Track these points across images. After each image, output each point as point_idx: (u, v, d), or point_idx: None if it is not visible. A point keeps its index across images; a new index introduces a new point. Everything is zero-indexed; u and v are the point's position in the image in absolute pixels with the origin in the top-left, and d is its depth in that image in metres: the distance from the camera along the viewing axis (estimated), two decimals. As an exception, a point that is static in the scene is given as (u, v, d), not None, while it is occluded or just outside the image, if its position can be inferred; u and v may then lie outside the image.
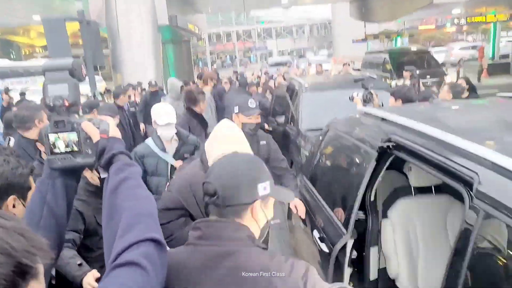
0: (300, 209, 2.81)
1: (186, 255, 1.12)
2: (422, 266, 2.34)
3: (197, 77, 8.82)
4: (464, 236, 1.51)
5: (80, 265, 2.11)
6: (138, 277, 0.90)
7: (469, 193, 1.56)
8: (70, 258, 2.18)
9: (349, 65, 11.82)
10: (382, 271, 2.49)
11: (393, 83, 9.37)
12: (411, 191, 2.52)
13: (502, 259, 1.37)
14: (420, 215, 2.43)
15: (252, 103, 3.10)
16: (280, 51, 59.70)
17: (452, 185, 1.72)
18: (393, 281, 2.46)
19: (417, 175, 2.40)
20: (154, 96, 8.38)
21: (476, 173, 1.56)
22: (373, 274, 2.47)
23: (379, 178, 2.46)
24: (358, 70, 11.76)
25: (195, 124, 4.52)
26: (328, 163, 3.21)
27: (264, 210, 1.22)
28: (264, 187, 1.20)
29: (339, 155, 2.99)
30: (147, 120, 7.43)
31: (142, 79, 10.40)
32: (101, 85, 20.61)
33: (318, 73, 12.23)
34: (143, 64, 11.30)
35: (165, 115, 3.31)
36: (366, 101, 4.17)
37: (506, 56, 21.92)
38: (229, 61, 60.17)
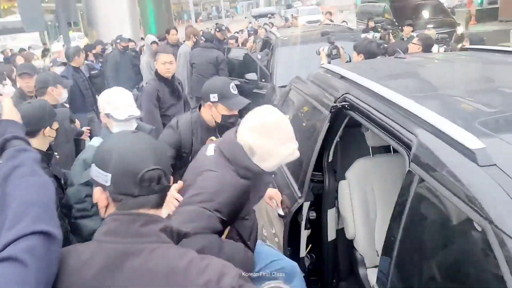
0: (277, 198, 2.31)
1: (89, 254, 0.99)
2: (379, 228, 2.32)
3: (166, 33, 8.05)
4: (401, 200, 1.47)
5: None
6: (15, 274, 0.84)
7: (408, 155, 1.51)
8: None
9: (331, 14, 11.07)
10: (341, 231, 2.49)
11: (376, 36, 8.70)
12: (369, 152, 2.48)
13: (434, 227, 1.34)
14: (377, 176, 2.39)
15: (234, 88, 2.37)
16: (267, 0, 57.81)
17: (395, 147, 1.66)
18: (352, 240, 2.46)
19: (373, 135, 2.34)
20: (125, 55, 7.57)
21: (415, 136, 1.50)
22: (331, 235, 2.46)
23: (337, 138, 2.41)
24: (344, 22, 10.82)
25: (166, 91, 3.73)
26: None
27: None
28: None
29: (298, 116, 2.91)
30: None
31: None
32: (83, 42, 20.00)
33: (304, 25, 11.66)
34: (120, 20, 10.83)
35: (125, 106, 2.37)
36: (331, 56, 4.02)
37: (494, 1, 21.40)
38: (215, 13, 58.34)
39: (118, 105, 2.36)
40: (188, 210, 1.56)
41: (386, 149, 2.54)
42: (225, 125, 2.34)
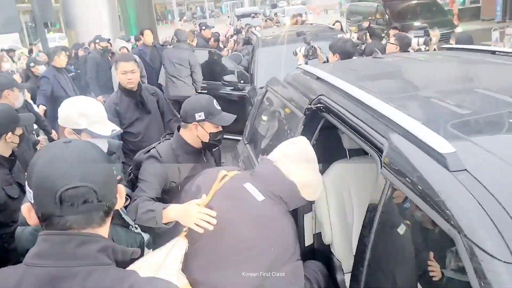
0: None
1: (17, 279, 0.89)
2: (356, 232, 2.27)
3: (140, 34, 7.85)
4: (372, 206, 1.42)
5: None
6: None
7: (380, 159, 1.46)
8: None
9: (301, 16, 10.68)
10: (318, 236, 2.43)
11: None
12: (346, 154, 2.42)
13: (406, 235, 1.29)
14: (354, 179, 2.34)
15: (217, 104, 2.21)
16: (252, 0, 57.72)
17: (368, 151, 1.61)
18: (329, 245, 2.41)
19: (350, 138, 2.29)
20: (104, 56, 7.10)
21: (386, 139, 1.45)
22: (308, 240, 2.40)
23: (313, 141, 2.35)
24: (338, 22, 9.94)
25: (128, 105, 3.28)
26: (264, 126, 3.07)
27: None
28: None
29: (273, 118, 2.85)
30: (104, 91, 6.39)
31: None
32: (64, 43, 19.67)
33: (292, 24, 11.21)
34: (99, 20, 10.62)
35: (104, 119, 2.06)
36: (308, 56, 3.97)
37: (476, 0, 21.69)
38: (200, 13, 58.06)
39: (96, 118, 1.99)
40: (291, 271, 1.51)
41: (364, 152, 2.50)
42: (212, 144, 2.24)
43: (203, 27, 8.84)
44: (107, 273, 0.90)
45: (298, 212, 2.37)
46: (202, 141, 2.21)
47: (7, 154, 2.33)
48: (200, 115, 2.12)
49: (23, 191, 2.38)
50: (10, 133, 2.31)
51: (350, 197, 2.35)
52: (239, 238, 1.55)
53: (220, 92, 5.85)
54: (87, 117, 1.94)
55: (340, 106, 1.91)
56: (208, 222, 1.61)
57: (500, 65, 2.23)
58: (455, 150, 1.17)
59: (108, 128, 2.02)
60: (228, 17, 21.66)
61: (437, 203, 1.10)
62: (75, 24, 10.80)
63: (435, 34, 5.33)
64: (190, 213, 1.68)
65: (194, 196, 1.75)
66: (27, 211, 0.94)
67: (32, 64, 5.82)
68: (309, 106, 2.14)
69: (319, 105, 2.13)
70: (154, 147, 2.21)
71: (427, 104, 1.71)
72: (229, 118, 2.21)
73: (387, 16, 12.80)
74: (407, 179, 1.25)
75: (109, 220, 0.99)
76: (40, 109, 4.83)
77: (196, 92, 5.88)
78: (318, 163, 2.50)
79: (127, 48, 6.80)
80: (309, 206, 2.38)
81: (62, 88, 4.99)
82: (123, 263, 0.98)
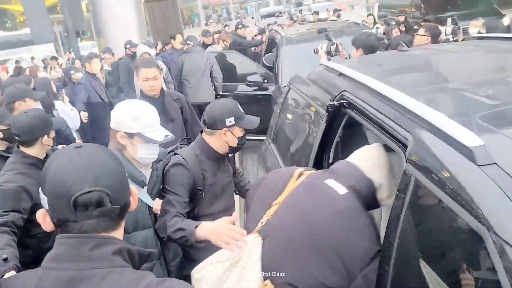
0: None
1: (34, 282, 0.90)
2: (384, 231, 2.21)
3: (171, 38, 7.91)
4: (397, 204, 1.37)
5: (5, 260, 1.98)
6: None
7: (405, 155, 1.40)
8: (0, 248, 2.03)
9: (317, 13, 10.46)
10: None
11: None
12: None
13: (432, 233, 1.23)
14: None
15: (240, 107, 2.16)
16: (277, -1, 57.50)
17: (392, 147, 1.56)
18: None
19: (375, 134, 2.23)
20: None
21: (411, 134, 1.39)
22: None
23: (337, 138, 2.30)
24: (371, 15, 9.28)
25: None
26: (287, 124, 3.04)
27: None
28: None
29: (297, 116, 2.82)
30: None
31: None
32: (96, 50, 20.26)
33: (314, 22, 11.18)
34: (126, 26, 10.85)
35: (157, 124, 1.98)
36: (331, 53, 3.90)
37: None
38: (225, 15, 58.42)
39: (150, 123, 1.89)
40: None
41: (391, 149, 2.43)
42: (238, 148, 2.17)
43: (240, 26, 8.91)
44: (122, 276, 0.90)
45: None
46: (229, 146, 2.14)
47: (42, 156, 2.43)
48: (230, 121, 2.05)
49: None
50: (46, 136, 2.41)
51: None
52: (322, 232, 1.47)
53: (244, 92, 5.86)
54: (141, 121, 1.86)
55: (364, 102, 1.86)
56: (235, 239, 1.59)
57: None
58: (483, 143, 1.11)
59: (161, 134, 1.94)
60: (252, 18, 21.57)
61: (465, 199, 1.04)
62: (104, 31, 11.08)
63: (478, 24, 4.94)
64: (220, 231, 1.65)
65: (269, 196, 1.69)
66: (42, 217, 0.95)
67: (72, 72, 5.85)
68: (332, 103, 2.09)
69: (342, 101, 2.08)
70: (176, 153, 2.13)
71: (454, 96, 1.64)
72: (255, 120, 2.15)
73: (423, 9, 11.63)
74: (432, 174, 1.20)
75: (123, 222, 0.99)
76: (82, 116, 4.84)
77: (217, 94, 5.89)
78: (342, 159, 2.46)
79: (149, 54, 6.86)
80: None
81: (97, 94, 5.09)
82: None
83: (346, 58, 3.91)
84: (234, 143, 2.13)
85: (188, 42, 6.42)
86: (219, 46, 7.22)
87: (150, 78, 3.05)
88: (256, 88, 5.77)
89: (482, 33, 4.17)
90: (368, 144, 2.35)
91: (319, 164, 2.27)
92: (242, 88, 5.93)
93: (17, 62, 10.89)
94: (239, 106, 2.13)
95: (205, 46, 7.59)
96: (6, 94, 3.48)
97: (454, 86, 1.76)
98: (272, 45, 7.33)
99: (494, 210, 0.97)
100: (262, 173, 3.12)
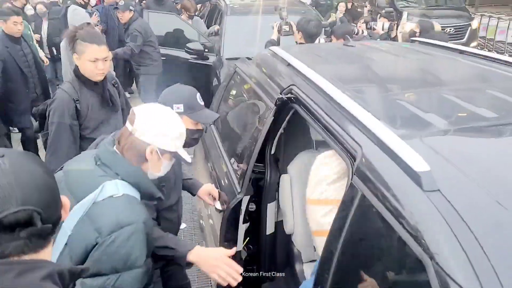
0: (214, 194, 2.19)
1: None
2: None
3: None
4: (341, 215, 1.40)
5: None
6: None
7: (352, 167, 1.43)
8: None
9: None
10: (279, 224, 2.43)
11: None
12: (313, 144, 2.41)
13: (374, 250, 1.28)
14: (320, 170, 2.33)
15: (200, 99, 1.90)
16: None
17: (339, 155, 1.58)
18: (290, 235, 2.42)
19: (318, 129, 2.26)
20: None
21: (360, 147, 1.42)
22: (270, 228, 2.41)
23: (281, 130, 2.30)
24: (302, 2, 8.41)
25: (93, 102, 2.49)
26: (231, 109, 2.99)
27: None
28: None
29: (241, 102, 2.77)
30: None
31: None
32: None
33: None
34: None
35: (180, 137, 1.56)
36: (282, 32, 3.87)
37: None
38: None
39: (174, 135, 1.51)
40: None
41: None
42: (187, 143, 1.78)
43: None
44: None
45: (262, 201, 2.35)
46: None
47: None
48: (178, 107, 1.80)
49: None
50: None
51: (314, 188, 2.34)
52: None
53: (183, 59, 5.64)
54: (181, 139, 1.54)
55: (313, 102, 1.86)
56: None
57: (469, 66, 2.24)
58: (429, 168, 1.15)
59: (187, 152, 1.62)
60: None
61: (410, 224, 1.09)
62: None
63: (436, 28, 4.92)
64: (216, 264, 1.60)
65: None
66: None
67: None
68: (280, 96, 2.07)
69: (289, 95, 2.07)
70: None
71: (402, 109, 1.69)
72: (211, 116, 1.95)
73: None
74: (379, 193, 1.23)
75: (52, 239, 0.89)
76: None
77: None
78: (285, 152, 2.48)
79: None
80: (273, 195, 2.37)
81: (15, 62, 4.11)
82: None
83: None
84: None
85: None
86: (183, 17, 6.40)
87: (100, 59, 2.40)
88: (196, 56, 5.58)
89: (416, 32, 4.36)
90: (310, 137, 2.39)
91: (261, 155, 2.27)
92: (181, 55, 5.70)
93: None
94: (198, 97, 1.90)
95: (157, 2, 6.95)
96: None
97: (401, 97, 1.81)
98: (214, 11, 7.09)
99: (437, 240, 1.02)
100: (199, 155, 3.06)
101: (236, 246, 2.00)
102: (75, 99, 2.40)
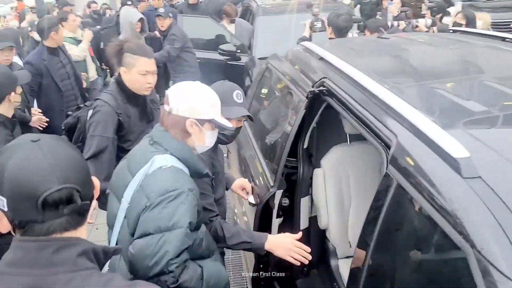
0: (247, 188, 2.19)
1: None
2: (352, 219, 2.25)
3: None
4: (376, 205, 1.37)
5: None
6: None
7: (387, 156, 1.39)
8: None
9: None
10: (313, 219, 2.40)
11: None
12: (346, 139, 2.36)
13: (411, 239, 1.24)
14: (354, 165, 2.29)
15: (239, 96, 1.88)
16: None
17: (374, 145, 1.54)
18: (324, 230, 2.39)
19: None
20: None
21: (395, 135, 1.38)
22: (303, 223, 2.38)
23: (313, 124, 2.28)
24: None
25: (134, 115, 2.39)
26: (264, 105, 2.98)
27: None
28: None
29: (273, 97, 2.76)
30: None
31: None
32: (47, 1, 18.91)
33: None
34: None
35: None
36: (314, 29, 3.83)
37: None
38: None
39: (219, 107, 1.61)
40: None
41: (362, 136, 2.43)
42: (222, 139, 1.83)
43: None
44: (88, 280, 0.85)
45: (295, 196, 2.33)
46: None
47: (9, 114, 2.37)
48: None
49: None
50: (12, 93, 2.35)
51: (348, 183, 2.31)
52: None
53: (217, 60, 5.68)
54: (216, 106, 1.59)
55: (345, 92, 1.83)
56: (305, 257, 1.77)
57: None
58: (469, 155, 1.10)
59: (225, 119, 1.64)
60: None
61: (448, 211, 1.05)
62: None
63: (483, 17, 4.54)
64: (289, 247, 1.77)
65: None
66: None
67: (29, 28, 4.89)
68: (312, 89, 2.05)
69: (322, 88, 2.04)
70: None
71: (438, 97, 1.63)
72: (238, 112, 1.87)
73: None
74: (416, 182, 1.19)
75: (87, 218, 0.93)
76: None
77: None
78: (318, 147, 2.45)
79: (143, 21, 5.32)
80: (306, 189, 2.35)
81: (51, 78, 3.93)
82: None
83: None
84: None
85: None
86: (225, 22, 6.36)
87: (150, 72, 2.29)
88: (229, 57, 5.62)
89: (462, 24, 4.18)
90: (343, 131, 2.35)
91: (294, 149, 2.25)
92: (214, 56, 5.75)
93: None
94: (235, 92, 1.88)
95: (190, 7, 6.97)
96: None
97: (438, 86, 1.75)
98: (246, 13, 7.12)
99: (478, 227, 0.97)
100: (233, 151, 3.07)
101: (299, 231, 2.03)
102: (119, 113, 2.30)
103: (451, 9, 5.18)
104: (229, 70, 5.59)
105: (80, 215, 0.89)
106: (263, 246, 1.78)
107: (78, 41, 4.75)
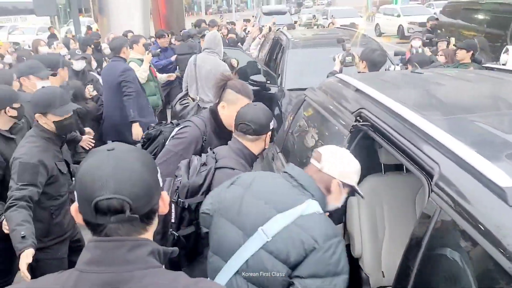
0: None
1: (70, 285, 0.91)
2: (386, 248, 2.26)
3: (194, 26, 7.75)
4: (419, 231, 1.40)
5: (23, 237, 2.01)
6: None
7: (429, 184, 1.44)
8: (17, 224, 2.10)
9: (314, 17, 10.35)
10: (347, 248, 2.42)
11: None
12: (381, 168, 2.40)
13: (456, 265, 1.27)
14: (388, 194, 2.32)
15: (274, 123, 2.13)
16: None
17: (414, 172, 1.59)
18: (358, 259, 2.40)
19: (387, 153, 2.26)
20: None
21: (438, 164, 1.43)
22: (336, 251, 2.39)
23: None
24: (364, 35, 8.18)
25: (213, 137, 2.41)
26: (300, 136, 3.05)
27: (165, 197, 1.04)
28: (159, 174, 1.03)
29: (311, 128, 2.83)
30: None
31: (128, 26, 9.93)
32: (94, 27, 19.88)
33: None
34: (130, 7, 10.67)
35: None
36: (345, 63, 3.93)
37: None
38: (225, 6, 58.26)
39: (355, 170, 1.72)
40: None
41: (397, 167, 2.47)
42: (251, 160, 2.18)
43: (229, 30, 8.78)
44: (158, 276, 0.93)
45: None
46: (264, 148, 2.19)
47: (7, 127, 2.60)
48: (272, 123, 2.10)
49: (69, 170, 2.61)
50: (8, 107, 2.55)
51: (382, 212, 2.33)
52: None
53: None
54: (358, 175, 1.74)
55: (384, 123, 1.89)
56: None
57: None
58: (515, 184, 1.15)
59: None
60: (253, 16, 21.02)
61: (496, 238, 1.08)
62: (107, 11, 10.87)
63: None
64: None
65: None
66: (75, 211, 0.97)
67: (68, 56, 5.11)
68: (355, 124, 2.12)
69: (359, 118, 2.12)
70: (227, 167, 1.99)
71: (477, 129, 1.67)
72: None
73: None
74: (461, 210, 1.23)
75: (153, 225, 1.00)
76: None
77: None
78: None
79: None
80: (340, 217, 2.38)
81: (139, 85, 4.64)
82: None
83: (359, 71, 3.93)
84: (268, 144, 2.18)
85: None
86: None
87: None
88: (259, 87, 5.77)
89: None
90: (378, 161, 2.40)
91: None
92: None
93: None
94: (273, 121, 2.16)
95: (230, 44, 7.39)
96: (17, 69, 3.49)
97: (476, 118, 1.80)
98: (276, 45, 7.33)
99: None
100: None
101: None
102: (204, 138, 2.35)
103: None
104: (259, 99, 5.72)
105: (133, 225, 0.95)
106: None
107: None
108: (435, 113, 1.91)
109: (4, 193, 2.33)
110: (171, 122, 2.62)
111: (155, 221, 1.02)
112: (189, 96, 4.65)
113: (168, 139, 2.40)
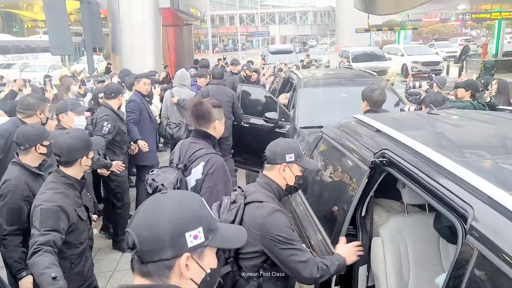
0: None
1: None
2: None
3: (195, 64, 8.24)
4: (456, 273, 1.42)
5: (54, 278, 2.00)
6: None
7: (463, 227, 1.46)
8: (46, 268, 2.04)
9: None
10: (371, 289, 2.41)
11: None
12: (404, 209, 2.43)
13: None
14: (413, 235, 2.33)
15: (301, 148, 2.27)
16: (283, 36, 59.13)
17: (445, 214, 1.62)
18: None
19: (410, 193, 2.30)
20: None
21: (471, 207, 1.46)
22: (360, 292, 2.38)
23: (371, 193, 2.37)
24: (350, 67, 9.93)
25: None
26: (320, 173, 3.10)
27: (198, 262, 1.00)
28: (195, 236, 0.98)
29: (331, 166, 2.88)
30: None
31: (141, 64, 10.19)
32: (102, 65, 20.40)
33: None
34: (143, 47, 11.03)
35: None
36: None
37: (510, 53, 21.56)
38: (231, 45, 59.76)
39: None
40: None
41: (419, 206, 2.50)
42: (294, 188, 2.19)
43: (232, 63, 9.16)
44: None
45: (354, 264, 2.36)
46: (287, 184, 2.15)
47: (79, 176, 2.48)
48: (290, 157, 2.11)
49: (88, 216, 2.55)
50: (84, 157, 2.44)
51: (406, 253, 2.33)
52: None
53: (263, 126, 5.99)
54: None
55: (410, 164, 1.93)
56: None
57: None
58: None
59: None
60: (261, 55, 21.70)
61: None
62: (120, 49, 11.22)
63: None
64: (351, 251, 2.15)
65: None
66: None
67: (100, 95, 5.21)
68: (374, 160, 2.17)
69: (382, 159, 2.16)
70: (258, 200, 2.04)
71: (503, 170, 1.72)
72: (314, 162, 2.41)
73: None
74: (500, 250, 1.25)
75: (174, 273, 0.99)
76: (141, 145, 4.89)
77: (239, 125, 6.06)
78: (375, 215, 2.51)
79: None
80: (364, 258, 2.38)
81: (147, 113, 5.13)
82: None
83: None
84: (292, 180, 2.14)
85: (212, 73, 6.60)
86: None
87: None
88: (273, 125, 5.90)
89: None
90: (401, 201, 2.42)
91: (353, 217, 2.32)
92: (261, 123, 6.09)
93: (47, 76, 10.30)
94: (300, 147, 2.23)
95: (233, 75, 7.78)
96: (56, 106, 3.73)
97: (500, 160, 1.84)
98: (287, 84, 7.50)
99: None
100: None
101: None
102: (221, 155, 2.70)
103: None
104: (273, 136, 5.82)
105: (160, 269, 0.98)
106: (345, 265, 2.10)
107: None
108: (459, 155, 1.96)
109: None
110: (177, 167, 2.60)
111: (182, 275, 0.99)
112: (173, 122, 6.12)
113: (201, 180, 2.48)
